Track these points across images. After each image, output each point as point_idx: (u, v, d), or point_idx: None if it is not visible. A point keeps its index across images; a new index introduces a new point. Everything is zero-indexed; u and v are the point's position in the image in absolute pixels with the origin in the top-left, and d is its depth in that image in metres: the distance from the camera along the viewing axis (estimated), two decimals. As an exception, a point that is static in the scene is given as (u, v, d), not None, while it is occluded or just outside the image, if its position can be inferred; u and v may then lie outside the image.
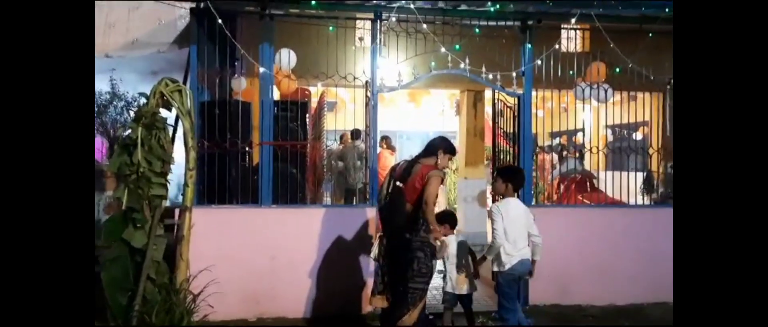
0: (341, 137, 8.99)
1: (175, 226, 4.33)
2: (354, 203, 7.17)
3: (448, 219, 4.30)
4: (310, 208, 4.95)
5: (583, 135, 12.83)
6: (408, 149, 17.85)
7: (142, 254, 4.08)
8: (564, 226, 5.13)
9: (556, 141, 11.98)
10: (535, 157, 9.12)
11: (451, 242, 4.20)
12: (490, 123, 6.45)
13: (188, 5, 4.65)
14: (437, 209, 3.79)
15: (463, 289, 4.23)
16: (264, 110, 4.73)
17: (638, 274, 5.14)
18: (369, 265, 4.72)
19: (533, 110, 8.08)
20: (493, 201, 4.27)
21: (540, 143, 10.33)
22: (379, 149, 9.83)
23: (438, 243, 3.80)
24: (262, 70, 4.59)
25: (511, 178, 3.94)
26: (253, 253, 4.64)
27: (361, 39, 5.46)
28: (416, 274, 3.55)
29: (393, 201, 3.65)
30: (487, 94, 7.19)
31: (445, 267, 4.25)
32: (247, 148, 4.89)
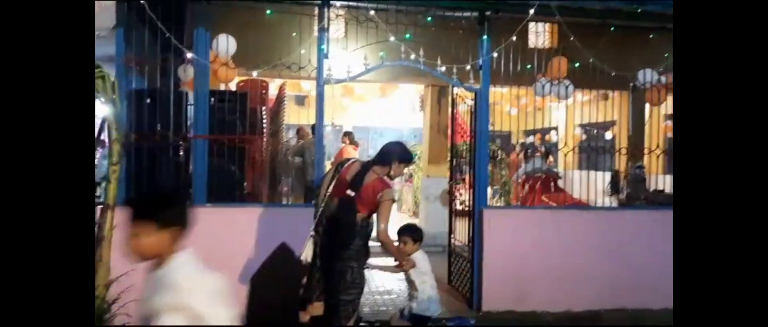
0: (298, 131, 8.62)
1: (95, 226, 3.97)
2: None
3: (411, 233, 3.81)
4: (248, 208, 4.60)
5: (557, 133, 12.77)
6: (379, 145, 17.65)
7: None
8: (521, 229, 4.90)
9: (530, 139, 11.88)
10: (503, 156, 8.99)
11: (420, 259, 3.76)
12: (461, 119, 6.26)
13: (114, -16, 4.25)
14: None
15: (437, 309, 3.84)
16: (198, 101, 4.37)
17: (597, 278, 4.93)
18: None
19: (507, 108, 7.99)
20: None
21: (514, 141, 10.27)
22: (341, 144, 9.58)
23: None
24: (189, 56, 4.22)
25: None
26: (184, 256, 4.27)
27: (323, 29, 5.09)
28: (349, 286, 3.29)
29: (342, 210, 3.35)
30: (456, 89, 6.95)
31: (412, 287, 3.79)
32: (180, 142, 4.51)
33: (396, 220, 9.23)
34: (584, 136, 11.26)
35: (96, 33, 6.33)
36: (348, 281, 3.29)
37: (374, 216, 3.41)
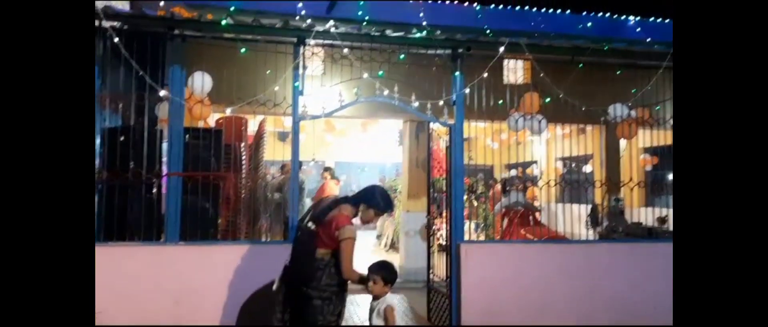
0: (282, 167, 8.63)
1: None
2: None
3: (381, 270, 3.30)
4: (223, 245, 4.54)
5: (537, 167, 12.92)
6: (362, 180, 17.66)
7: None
8: (499, 263, 4.89)
9: (512, 173, 11.98)
10: (483, 190, 9.04)
11: (376, 308, 3.28)
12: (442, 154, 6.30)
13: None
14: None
15: None
16: (173, 138, 4.36)
17: (575, 311, 4.91)
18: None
19: (489, 142, 8.10)
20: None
21: (495, 176, 10.34)
22: (322, 180, 9.59)
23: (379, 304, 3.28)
24: (163, 93, 4.23)
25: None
26: (155, 296, 4.18)
27: (304, 67, 5.08)
28: (312, 324, 3.14)
29: (301, 241, 3.25)
30: (433, 124, 7.04)
31: None
32: (153, 179, 4.47)
33: (379, 256, 9.12)
34: (564, 170, 11.43)
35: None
36: (310, 319, 3.14)
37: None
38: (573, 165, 10.27)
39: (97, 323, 3.80)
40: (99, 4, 4.36)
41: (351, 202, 3.38)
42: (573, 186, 5.72)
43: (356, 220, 3.38)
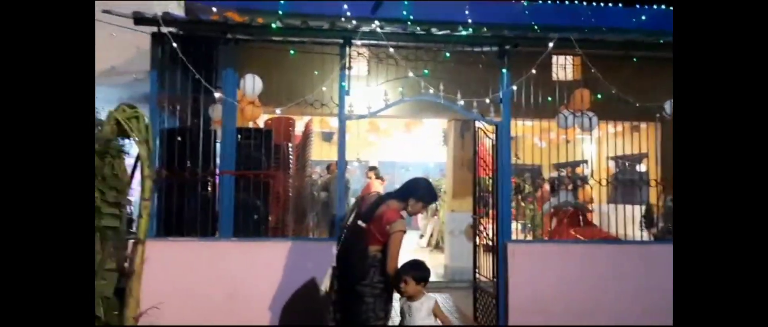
0: (328, 167, 8.80)
1: (127, 260, 4.11)
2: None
3: (413, 270, 3.21)
4: (273, 242, 4.67)
5: (588, 166, 12.54)
6: (405, 180, 17.64)
7: (88, 290, 3.85)
8: (547, 263, 4.79)
9: (561, 172, 11.71)
10: (530, 190, 8.87)
11: (418, 308, 3.18)
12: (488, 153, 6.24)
13: (149, 29, 4.51)
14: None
15: None
16: (226, 138, 4.54)
17: (626, 313, 4.75)
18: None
19: (537, 141, 7.93)
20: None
21: (544, 175, 10.14)
22: (367, 179, 9.68)
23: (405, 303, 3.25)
24: (217, 95, 4.41)
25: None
26: (210, 290, 4.36)
27: (350, 68, 5.15)
28: (364, 321, 3.20)
29: (350, 240, 3.30)
30: (479, 123, 6.98)
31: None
32: (208, 178, 4.66)
33: (422, 255, 9.16)
34: (617, 169, 11.03)
35: (133, 75, 6.71)
36: (362, 317, 3.19)
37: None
38: (626, 164, 9.91)
39: (156, 315, 4.01)
40: (158, 11, 4.59)
41: (398, 197, 3.42)
42: (626, 185, 5.55)
43: (404, 214, 3.41)
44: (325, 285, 3.43)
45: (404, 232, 3.24)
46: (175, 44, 4.26)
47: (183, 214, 4.49)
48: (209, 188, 4.74)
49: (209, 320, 4.33)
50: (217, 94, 4.47)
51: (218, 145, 4.74)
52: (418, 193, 3.43)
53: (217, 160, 4.78)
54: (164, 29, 4.39)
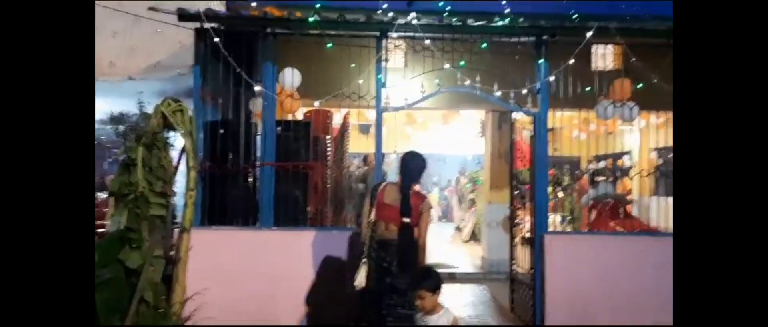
0: (365, 158, 8.90)
1: (174, 248, 4.30)
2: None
3: (427, 281, 3.05)
4: (312, 231, 4.79)
5: (630, 158, 12.20)
6: (444, 172, 17.62)
7: (138, 276, 4.05)
8: (584, 255, 4.75)
9: (601, 164, 11.45)
10: (570, 182, 8.72)
11: (435, 322, 3.02)
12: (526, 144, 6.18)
13: (192, 25, 4.68)
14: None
15: None
16: (266, 130, 4.67)
17: (665, 307, 4.63)
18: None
19: (575, 133, 7.79)
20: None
21: (582, 167, 9.95)
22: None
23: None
24: (257, 88, 4.54)
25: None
26: (252, 277, 4.52)
27: (386, 60, 5.17)
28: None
29: (405, 238, 3.45)
30: (516, 115, 6.91)
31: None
32: (249, 169, 4.82)
33: (458, 247, 9.13)
34: (660, 161, 10.69)
35: (177, 71, 6.95)
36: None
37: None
38: (670, 156, 9.59)
39: (202, 299, 4.19)
40: (200, 8, 4.75)
41: (414, 180, 3.62)
42: (669, 177, 5.40)
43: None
44: (358, 281, 3.51)
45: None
46: (216, 39, 4.41)
47: (226, 203, 4.67)
48: (250, 179, 4.90)
49: (251, 305, 4.50)
50: (257, 88, 4.60)
51: (258, 138, 4.88)
52: (419, 176, 3.66)
53: (258, 152, 4.93)
54: (207, 25, 4.55)
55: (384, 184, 3.67)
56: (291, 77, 4.81)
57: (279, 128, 4.78)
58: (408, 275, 3.30)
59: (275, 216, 4.66)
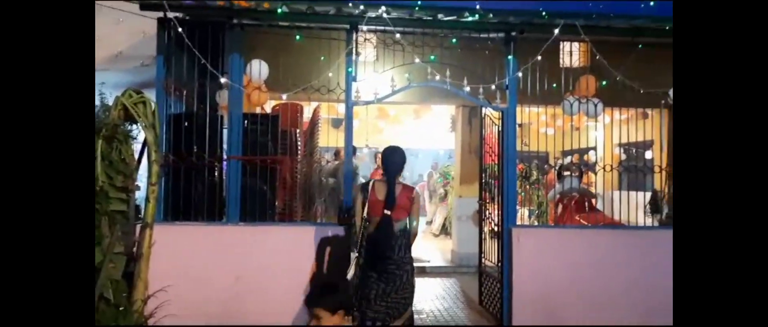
0: (336, 153, 8.83)
1: (135, 244, 4.18)
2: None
3: (325, 300, 2.82)
4: (280, 226, 4.74)
5: (595, 153, 12.49)
6: (416, 166, 17.67)
7: (98, 273, 3.92)
8: (551, 248, 4.82)
9: (568, 159, 11.66)
10: (538, 176, 8.86)
11: None
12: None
13: (155, 15, 4.53)
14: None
15: None
16: (232, 123, 4.58)
17: (630, 299, 4.78)
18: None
19: (543, 129, 7.91)
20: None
21: (551, 162, 10.13)
22: (375, 165, 9.71)
23: None
24: (223, 80, 4.43)
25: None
26: (217, 273, 4.44)
27: (358, 54, 5.12)
28: (405, 285, 3.65)
29: (384, 227, 3.64)
30: (486, 110, 6.96)
31: None
32: (215, 163, 4.71)
33: (430, 241, 9.19)
34: (624, 156, 10.97)
35: (139, 61, 6.76)
36: (404, 282, 3.63)
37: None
38: (634, 151, 9.84)
39: (165, 297, 4.09)
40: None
41: (396, 174, 3.82)
42: (631, 172, 5.53)
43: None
44: (350, 273, 3.63)
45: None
46: (180, 29, 4.28)
47: (190, 198, 4.56)
48: (216, 173, 4.79)
49: (216, 303, 4.41)
50: (223, 80, 4.50)
51: (225, 131, 4.78)
52: (402, 168, 3.88)
53: (224, 146, 4.83)
54: (170, 14, 4.41)
55: (373, 181, 3.83)
56: (258, 69, 4.72)
57: (246, 121, 4.69)
58: (393, 267, 3.59)
59: (242, 211, 4.58)
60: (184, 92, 4.76)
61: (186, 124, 4.60)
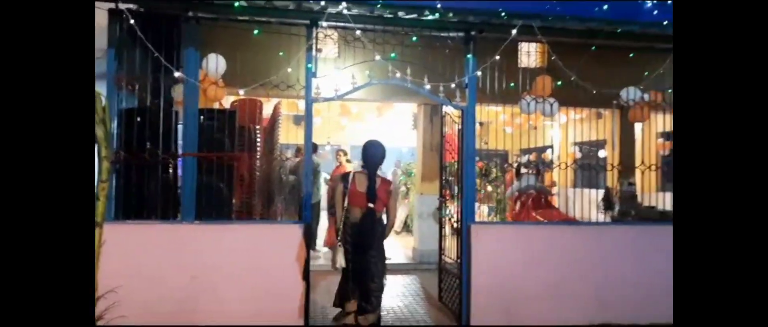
0: (297, 150, 8.74)
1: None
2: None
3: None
4: (237, 225, 4.64)
5: (552, 152, 12.84)
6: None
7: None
8: (509, 244, 4.92)
9: (526, 157, 11.94)
10: (498, 174, 9.03)
11: None
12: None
13: (106, 5, 4.35)
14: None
15: None
16: (188, 119, 4.45)
17: (585, 293, 4.94)
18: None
19: (503, 127, 8.06)
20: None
21: (510, 160, 10.34)
22: (337, 163, 9.66)
23: None
24: (178, 74, 4.31)
25: None
26: (172, 273, 4.31)
27: (319, 50, 5.09)
28: (379, 274, 4.07)
29: (369, 220, 4.03)
30: (446, 108, 7.03)
31: None
32: (169, 160, 4.58)
33: (391, 239, 9.22)
34: (579, 154, 11.34)
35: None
36: (379, 270, 4.03)
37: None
38: (589, 150, 10.18)
39: (117, 298, 3.95)
40: (115, -14, 4.43)
41: (377, 167, 4.20)
42: (585, 170, 5.72)
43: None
44: (340, 263, 3.97)
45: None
46: (132, 21, 4.13)
47: (143, 196, 4.41)
48: (170, 170, 4.65)
49: (170, 303, 4.29)
50: (177, 74, 4.37)
51: (180, 126, 4.65)
52: (381, 162, 4.27)
53: (179, 142, 4.70)
54: (122, 5, 4.25)
55: (353, 172, 4.16)
56: (215, 64, 4.61)
57: (202, 117, 4.57)
58: (375, 250, 4.01)
59: (198, 209, 4.46)
60: (137, 86, 4.60)
61: (139, 119, 4.45)
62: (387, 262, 4.36)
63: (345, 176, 4.09)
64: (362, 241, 3.94)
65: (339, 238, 4.09)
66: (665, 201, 6.22)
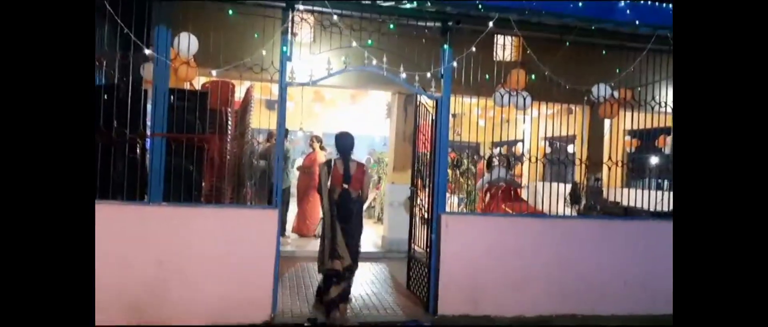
0: (269, 135, 8.62)
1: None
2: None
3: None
4: (206, 208, 4.57)
5: (523, 145, 13.05)
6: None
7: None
8: (478, 235, 5.00)
9: (497, 150, 12.08)
10: (469, 165, 9.12)
11: None
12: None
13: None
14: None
15: None
16: (157, 98, 4.34)
17: (549, 285, 5.07)
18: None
19: (475, 119, 8.10)
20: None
21: (482, 152, 10.43)
22: (310, 149, 9.60)
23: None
24: (148, 52, 4.19)
25: None
26: (138, 257, 4.22)
27: (294, 34, 5.01)
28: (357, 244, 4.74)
29: (347, 198, 4.60)
30: (421, 98, 7.04)
31: None
32: (137, 140, 4.46)
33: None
34: (549, 149, 11.55)
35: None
36: (357, 239, 4.71)
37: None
38: (559, 144, 10.37)
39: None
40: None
41: (348, 154, 4.69)
42: (554, 164, 5.83)
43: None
44: (318, 229, 4.18)
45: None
46: (99, -5, 3.98)
47: (109, 176, 4.28)
48: (138, 151, 4.54)
49: (135, 287, 4.21)
50: (147, 52, 4.25)
51: (149, 106, 4.53)
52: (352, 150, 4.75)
53: (148, 122, 4.58)
54: (91, -22, 4.08)
55: (334, 159, 4.69)
56: (187, 43, 4.50)
57: (172, 97, 4.46)
58: (355, 218, 4.65)
59: (166, 191, 4.37)
60: (105, 63, 4.45)
61: (105, 97, 4.31)
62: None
63: (328, 163, 4.68)
64: (343, 213, 4.58)
65: (322, 212, 4.75)
66: (629, 197, 6.41)
